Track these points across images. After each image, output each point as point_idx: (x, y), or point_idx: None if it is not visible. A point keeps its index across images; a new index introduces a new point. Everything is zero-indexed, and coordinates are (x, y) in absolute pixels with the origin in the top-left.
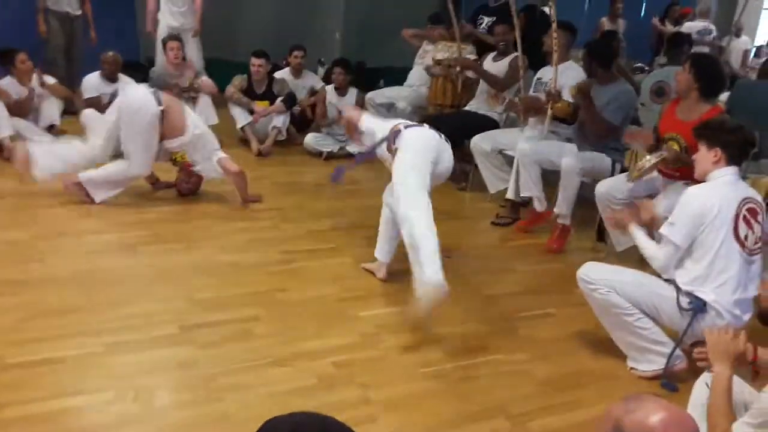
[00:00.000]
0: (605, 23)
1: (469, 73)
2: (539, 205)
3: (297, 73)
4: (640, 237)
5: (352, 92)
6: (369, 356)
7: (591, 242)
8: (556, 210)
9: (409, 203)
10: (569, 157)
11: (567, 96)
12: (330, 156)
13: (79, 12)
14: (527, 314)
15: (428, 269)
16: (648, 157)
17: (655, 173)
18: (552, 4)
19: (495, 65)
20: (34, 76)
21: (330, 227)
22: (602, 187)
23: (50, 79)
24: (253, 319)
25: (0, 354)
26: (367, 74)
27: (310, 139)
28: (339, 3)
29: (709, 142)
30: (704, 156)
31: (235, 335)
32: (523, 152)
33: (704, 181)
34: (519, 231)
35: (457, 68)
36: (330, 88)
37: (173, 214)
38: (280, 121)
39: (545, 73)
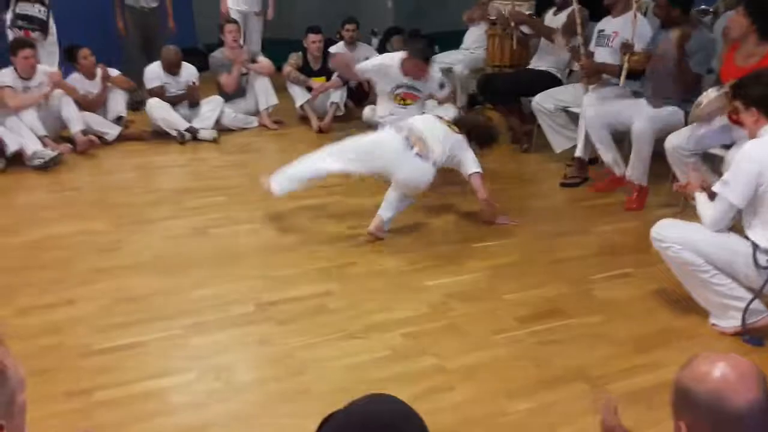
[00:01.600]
0: None
1: (525, 29)
2: (617, 169)
3: (351, 46)
4: (702, 202)
5: None
6: (440, 326)
7: (666, 198)
8: (628, 173)
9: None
10: (640, 122)
11: (639, 47)
12: None
13: (155, 4)
14: (603, 275)
15: None
16: (712, 96)
17: (723, 118)
18: None
19: (555, 19)
20: (98, 70)
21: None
22: (672, 141)
23: (114, 72)
24: (325, 294)
25: (87, 341)
26: (423, 40)
27: (369, 111)
28: None
29: (744, 102)
30: (745, 117)
31: (310, 310)
32: (590, 119)
33: None
34: (595, 191)
35: (512, 23)
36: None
37: (240, 197)
38: (338, 96)
39: (607, 25)
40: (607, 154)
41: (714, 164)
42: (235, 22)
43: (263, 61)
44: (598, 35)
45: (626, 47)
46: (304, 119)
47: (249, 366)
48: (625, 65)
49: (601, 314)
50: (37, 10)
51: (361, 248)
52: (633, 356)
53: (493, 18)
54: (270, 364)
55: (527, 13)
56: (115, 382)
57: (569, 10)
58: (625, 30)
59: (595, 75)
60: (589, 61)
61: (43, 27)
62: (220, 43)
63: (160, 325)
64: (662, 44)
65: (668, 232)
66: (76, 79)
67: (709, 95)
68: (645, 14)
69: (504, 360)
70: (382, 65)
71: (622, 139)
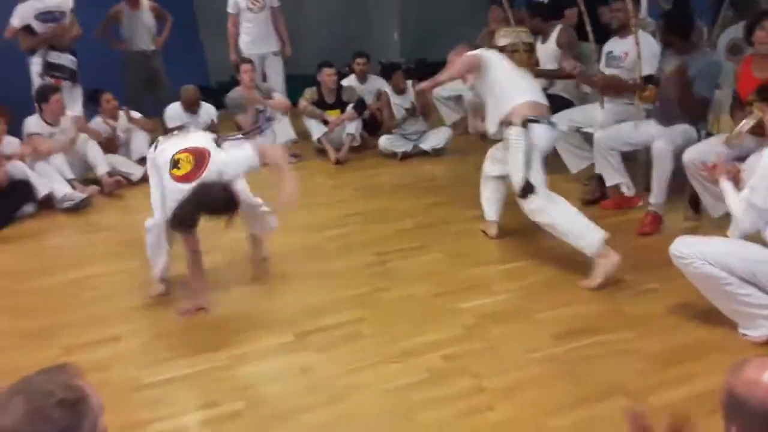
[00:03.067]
0: None
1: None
2: (627, 191)
3: (362, 78)
4: (730, 193)
5: (410, 87)
6: (476, 347)
7: (684, 213)
8: (651, 200)
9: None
10: (660, 141)
11: (647, 69)
12: (405, 156)
13: (153, 47)
14: (630, 292)
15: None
16: (744, 120)
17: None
18: None
19: (543, 47)
20: (121, 113)
21: (415, 225)
22: (690, 154)
23: (136, 114)
24: (359, 320)
25: (135, 375)
26: (429, 69)
27: (384, 141)
28: (393, 4)
29: None
30: None
31: (346, 337)
32: (599, 141)
33: None
34: (605, 209)
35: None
36: (389, 90)
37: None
38: (353, 127)
39: (615, 46)
40: (618, 177)
41: None
42: (250, 61)
43: (279, 98)
44: (607, 57)
45: (636, 85)
46: (322, 152)
47: (295, 394)
48: (637, 101)
49: (632, 329)
50: (69, 60)
51: (389, 274)
52: (667, 369)
53: (502, 45)
54: (314, 392)
55: (527, 42)
56: (167, 414)
57: (555, 32)
58: (635, 50)
59: (611, 90)
60: (605, 76)
61: (73, 76)
62: (233, 82)
63: (205, 356)
64: (666, 70)
65: (688, 248)
66: (98, 122)
67: (748, 122)
68: (653, 34)
69: (541, 378)
70: None
71: (634, 157)
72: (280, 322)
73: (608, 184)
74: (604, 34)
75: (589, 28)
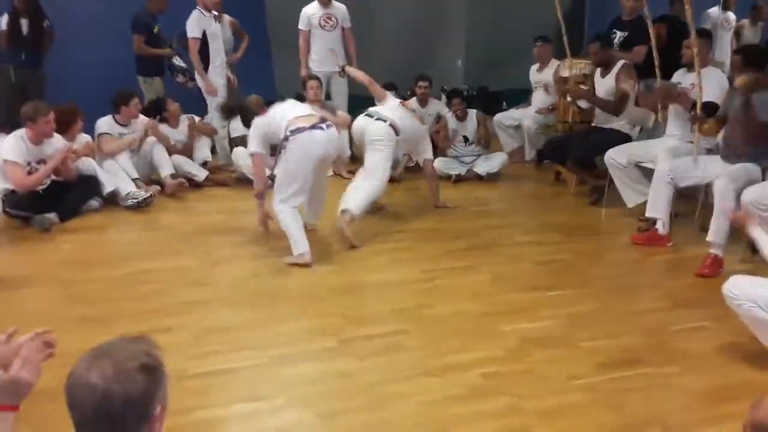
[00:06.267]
0: (746, 26)
1: (582, 103)
2: (662, 228)
3: (423, 102)
4: (762, 240)
5: (472, 115)
6: (516, 369)
7: (742, 254)
8: (710, 239)
9: None
10: (723, 178)
11: (709, 97)
12: (459, 179)
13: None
14: (678, 328)
15: None
16: None
17: None
18: (689, 12)
19: (603, 81)
20: (184, 118)
21: (465, 246)
22: (749, 195)
23: (197, 119)
24: (403, 332)
25: (183, 366)
26: (491, 97)
27: (439, 163)
28: (461, 32)
29: None
30: None
31: (389, 348)
32: (662, 171)
33: None
34: (635, 242)
35: (568, 98)
36: (449, 115)
37: (319, 240)
38: None
39: (683, 78)
40: (661, 212)
41: None
42: (317, 78)
43: (342, 115)
44: None
45: (696, 118)
46: None
47: (333, 396)
48: (697, 134)
49: (677, 365)
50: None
51: (436, 291)
52: (711, 407)
53: (565, 76)
54: (352, 396)
55: (583, 73)
56: (212, 403)
57: (617, 68)
58: (703, 83)
59: (670, 98)
60: (664, 83)
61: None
62: (299, 98)
63: (249, 353)
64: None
65: (740, 290)
66: (164, 128)
67: None
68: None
69: (581, 405)
70: None
71: (694, 195)
72: (325, 327)
73: (648, 214)
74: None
75: (657, 64)
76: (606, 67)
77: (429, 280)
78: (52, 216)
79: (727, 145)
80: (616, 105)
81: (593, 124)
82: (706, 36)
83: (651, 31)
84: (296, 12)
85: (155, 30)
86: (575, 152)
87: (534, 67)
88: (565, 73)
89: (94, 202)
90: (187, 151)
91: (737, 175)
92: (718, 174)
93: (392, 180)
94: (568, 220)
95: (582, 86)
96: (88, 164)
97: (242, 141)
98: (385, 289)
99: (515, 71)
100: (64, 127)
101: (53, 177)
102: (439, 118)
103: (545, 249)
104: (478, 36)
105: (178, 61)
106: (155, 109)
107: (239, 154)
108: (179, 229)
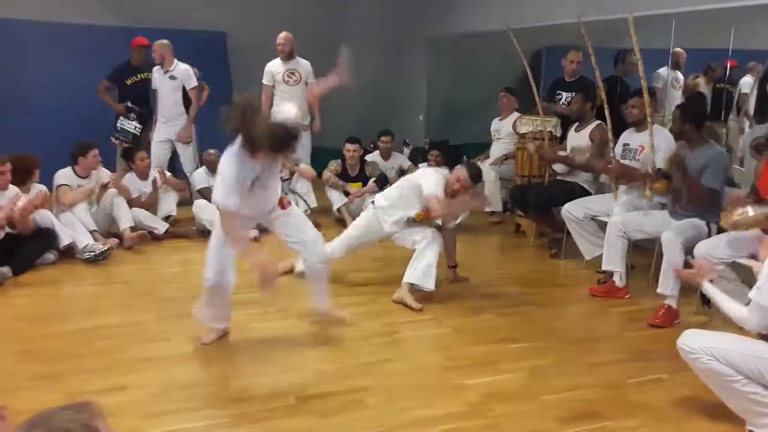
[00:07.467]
0: (700, 83)
1: (558, 167)
2: (619, 281)
3: (386, 155)
4: (717, 296)
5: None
6: (479, 424)
7: (696, 306)
8: (660, 290)
9: None
10: (669, 232)
11: (659, 162)
12: None
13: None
14: (636, 380)
15: None
16: (751, 212)
17: (757, 231)
18: (642, 71)
19: (577, 136)
20: (154, 172)
21: (426, 298)
22: (701, 248)
23: (167, 174)
24: (363, 389)
25: (137, 425)
26: (451, 151)
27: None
28: (422, 89)
29: None
30: None
31: (349, 405)
32: (614, 225)
33: None
34: (593, 294)
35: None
36: (423, 165)
37: (279, 294)
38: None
39: (631, 138)
40: (617, 264)
41: (741, 274)
42: None
43: (305, 168)
44: (623, 149)
45: (648, 176)
46: (340, 221)
47: None
48: (648, 192)
49: (637, 418)
50: (132, 126)
51: (396, 345)
52: None
53: (523, 132)
54: None
55: (557, 133)
56: None
57: (592, 126)
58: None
59: (624, 178)
60: (617, 163)
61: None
62: None
63: (207, 413)
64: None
65: (695, 343)
66: (130, 180)
67: (751, 214)
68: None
69: None
70: None
71: (650, 247)
72: (283, 384)
73: (604, 267)
74: (623, 128)
75: (608, 123)
76: (581, 122)
77: (389, 333)
78: (5, 270)
79: (674, 201)
80: (592, 165)
81: (558, 177)
82: (653, 95)
83: (599, 91)
84: (260, 68)
85: (128, 83)
86: (534, 199)
87: (497, 118)
88: (523, 130)
89: (50, 255)
90: (152, 203)
91: (683, 228)
92: (666, 227)
93: None
94: (529, 272)
95: (544, 142)
96: (44, 216)
97: (205, 193)
98: (345, 343)
99: (475, 125)
100: (21, 176)
101: (8, 229)
102: (402, 171)
103: (506, 301)
104: (439, 93)
105: (121, 121)
106: (124, 158)
107: (200, 207)
108: (137, 282)
